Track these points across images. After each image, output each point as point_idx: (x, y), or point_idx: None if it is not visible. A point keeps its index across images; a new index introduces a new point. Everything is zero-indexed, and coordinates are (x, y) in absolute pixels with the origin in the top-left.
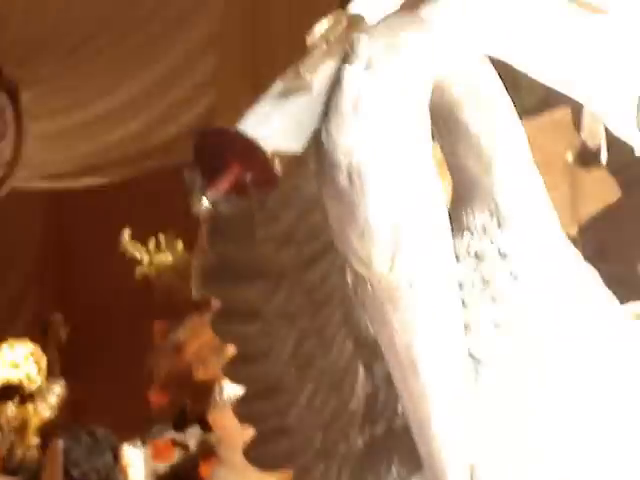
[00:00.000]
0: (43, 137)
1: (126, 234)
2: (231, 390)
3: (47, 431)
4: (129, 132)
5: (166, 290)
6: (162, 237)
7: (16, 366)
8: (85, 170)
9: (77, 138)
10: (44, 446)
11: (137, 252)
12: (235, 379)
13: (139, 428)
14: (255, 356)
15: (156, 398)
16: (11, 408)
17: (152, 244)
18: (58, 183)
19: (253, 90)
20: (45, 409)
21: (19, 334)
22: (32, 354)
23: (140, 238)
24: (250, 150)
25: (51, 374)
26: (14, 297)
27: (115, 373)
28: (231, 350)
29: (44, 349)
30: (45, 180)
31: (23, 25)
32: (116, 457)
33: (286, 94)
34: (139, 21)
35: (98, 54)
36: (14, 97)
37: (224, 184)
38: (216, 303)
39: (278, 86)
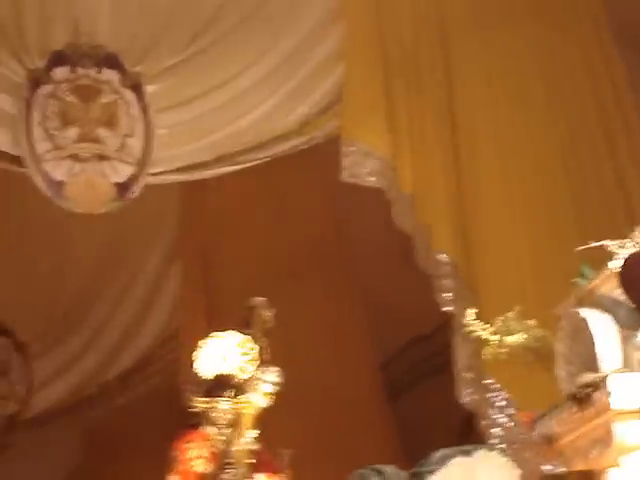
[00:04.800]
0: (172, 130)
1: (471, 313)
2: None
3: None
4: (259, 116)
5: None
6: (510, 315)
7: (226, 358)
8: (218, 159)
9: (206, 127)
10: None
11: (483, 332)
12: None
13: None
14: None
15: None
16: (224, 402)
17: (499, 323)
18: (191, 175)
19: (382, 62)
20: (260, 399)
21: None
22: (241, 344)
23: None
24: None
25: (262, 362)
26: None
27: None
28: None
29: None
30: (178, 173)
31: (139, 20)
32: None
33: None
34: (257, 2)
35: (219, 40)
36: (139, 92)
37: None
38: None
39: None
